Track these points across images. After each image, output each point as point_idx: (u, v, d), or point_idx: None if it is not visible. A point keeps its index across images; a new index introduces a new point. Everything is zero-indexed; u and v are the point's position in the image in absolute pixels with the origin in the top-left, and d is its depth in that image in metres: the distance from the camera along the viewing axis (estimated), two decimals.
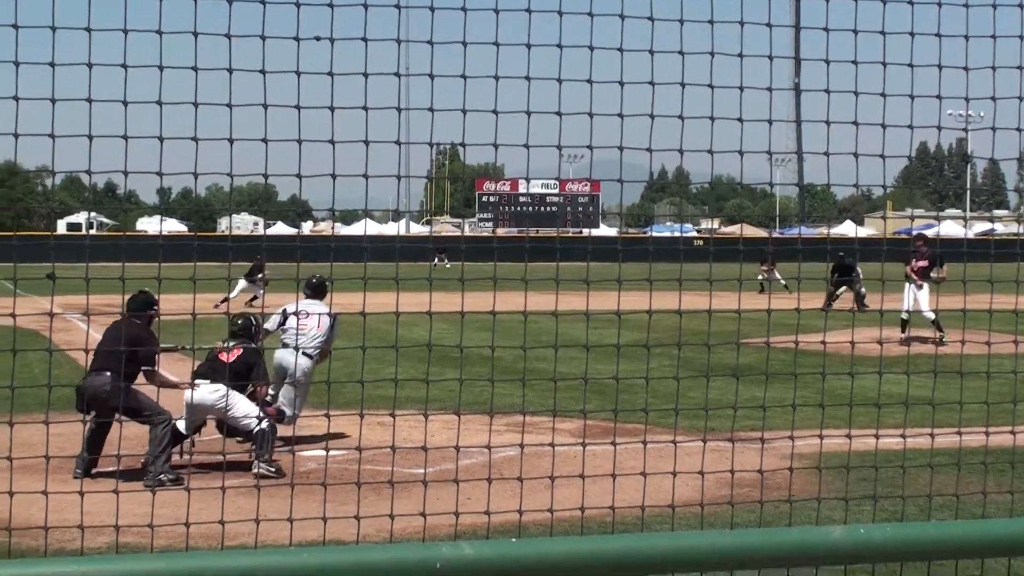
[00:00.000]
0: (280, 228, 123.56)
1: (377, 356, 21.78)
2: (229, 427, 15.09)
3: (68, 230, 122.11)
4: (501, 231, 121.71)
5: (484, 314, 6.86)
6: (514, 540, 4.47)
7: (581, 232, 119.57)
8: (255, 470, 14.86)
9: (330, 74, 5.74)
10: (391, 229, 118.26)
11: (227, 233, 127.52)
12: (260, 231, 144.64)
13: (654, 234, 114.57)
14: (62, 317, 35.56)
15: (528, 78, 6.05)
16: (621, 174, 6.85)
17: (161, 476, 14.48)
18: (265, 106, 5.61)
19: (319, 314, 16.42)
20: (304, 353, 16.06)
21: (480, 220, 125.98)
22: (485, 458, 13.13)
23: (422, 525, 7.50)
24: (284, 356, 16.66)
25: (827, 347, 7.70)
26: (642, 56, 6.47)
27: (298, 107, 5.66)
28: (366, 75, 5.72)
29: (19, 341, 6.30)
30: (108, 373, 14.58)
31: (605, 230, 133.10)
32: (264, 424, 15.21)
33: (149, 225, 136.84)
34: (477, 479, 7.54)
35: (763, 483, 8.68)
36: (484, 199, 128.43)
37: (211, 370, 15.45)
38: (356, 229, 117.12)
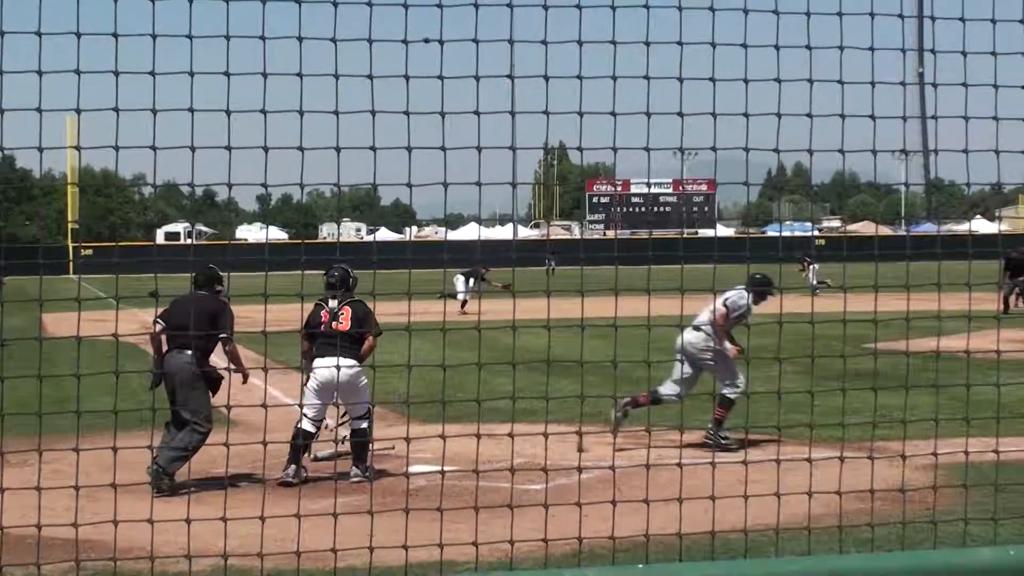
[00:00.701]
0: (384, 234, 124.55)
1: (485, 366, 21.78)
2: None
3: (167, 239, 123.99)
4: (612, 233, 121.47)
5: (603, 326, 6.78)
6: (640, 566, 4.40)
7: (696, 233, 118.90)
8: (355, 476, 14.83)
9: (440, 77, 5.70)
10: (498, 233, 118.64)
11: (334, 240, 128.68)
12: (364, 236, 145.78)
13: (774, 233, 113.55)
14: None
15: (647, 77, 5.98)
16: (748, 175, 6.75)
17: (164, 479, 14.33)
18: (373, 112, 5.60)
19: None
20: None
21: (590, 222, 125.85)
22: (604, 473, 13.05)
23: (540, 545, 7.45)
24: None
25: (966, 353, 7.52)
26: (767, 52, 6.38)
27: (407, 112, 5.64)
28: (477, 78, 5.68)
29: (121, 358, 6.35)
30: (189, 352, 14.74)
31: (722, 230, 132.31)
32: (368, 419, 15.24)
33: (249, 233, 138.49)
34: (600, 501, 7.46)
35: (905, 500, 8.51)
36: (594, 200, 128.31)
37: (329, 346, 15.06)
38: (463, 233, 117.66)
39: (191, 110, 5.67)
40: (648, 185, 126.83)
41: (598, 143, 6.38)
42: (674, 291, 7.48)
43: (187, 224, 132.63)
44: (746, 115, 6.41)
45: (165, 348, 15.01)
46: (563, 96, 6.35)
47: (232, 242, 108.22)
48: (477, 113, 5.80)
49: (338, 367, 14.41)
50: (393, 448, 16.07)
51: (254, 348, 25.15)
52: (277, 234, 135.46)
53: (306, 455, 15.40)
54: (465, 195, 6.41)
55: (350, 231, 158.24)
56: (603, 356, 7.18)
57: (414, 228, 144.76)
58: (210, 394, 14.77)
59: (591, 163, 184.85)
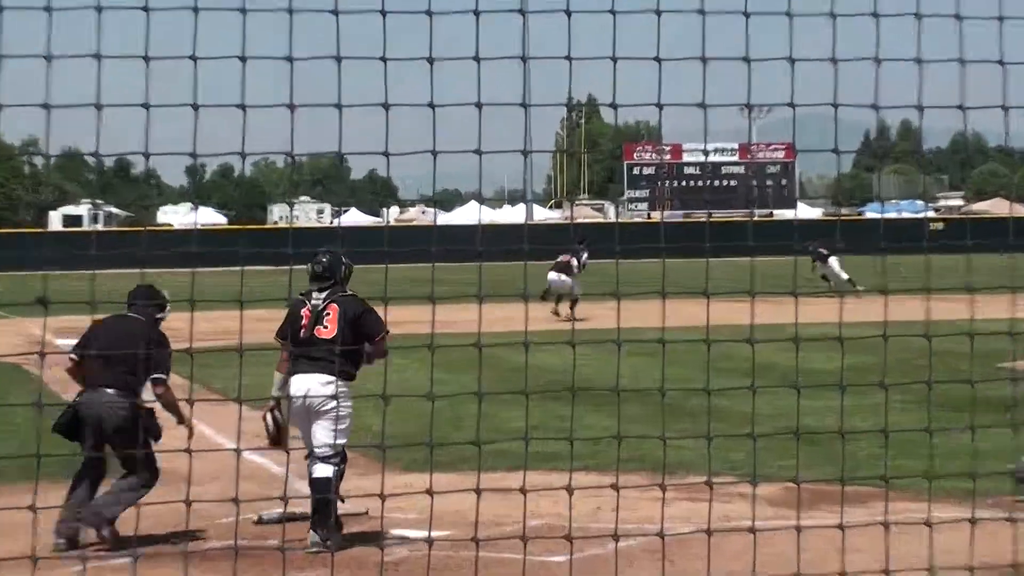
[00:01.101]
0: (355, 217, 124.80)
1: (488, 395, 21.78)
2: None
3: (65, 225, 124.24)
4: (658, 215, 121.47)
5: (647, 341, 6.77)
6: None
7: (771, 215, 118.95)
8: (313, 540, 14.79)
9: (428, 12, 5.64)
10: (506, 215, 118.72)
11: (283, 225, 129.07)
12: (326, 220, 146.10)
13: (874, 215, 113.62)
14: (57, 347, 36.00)
15: (702, 11, 5.95)
16: (837, 139, 6.73)
17: (103, 530, 14.57)
18: (339, 59, 5.55)
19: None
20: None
21: (630, 201, 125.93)
22: (651, 541, 13.02)
23: None
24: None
25: None
26: None
27: (384, 59, 5.60)
28: (477, 13, 5.63)
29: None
30: (111, 390, 14.89)
31: (805, 210, 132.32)
32: (338, 464, 15.18)
33: (175, 216, 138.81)
34: None
35: None
36: (635, 172, 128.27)
37: (307, 357, 15.06)
38: (460, 216, 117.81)
39: (97, 56, 5.63)
40: (705, 153, 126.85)
41: (639, 98, 6.37)
42: (741, 293, 7.45)
43: (92, 205, 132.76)
44: (834, 60, 6.38)
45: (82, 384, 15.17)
46: (591, 36, 6.30)
47: (152, 228, 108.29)
48: (477, 59, 5.77)
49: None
50: (367, 512, 16.03)
51: (177, 371, 25.22)
52: (213, 217, 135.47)
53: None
54: (462, 166, 6.39)
55: (310, 213, 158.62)
56: (647, 380, 7.15)
57: (394, 209, 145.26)
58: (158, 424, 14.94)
59: (629, 123, 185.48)
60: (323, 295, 15.27)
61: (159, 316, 15.59)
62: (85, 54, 5.58)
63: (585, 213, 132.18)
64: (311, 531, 15.02)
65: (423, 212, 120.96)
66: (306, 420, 15.15)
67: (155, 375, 14.93)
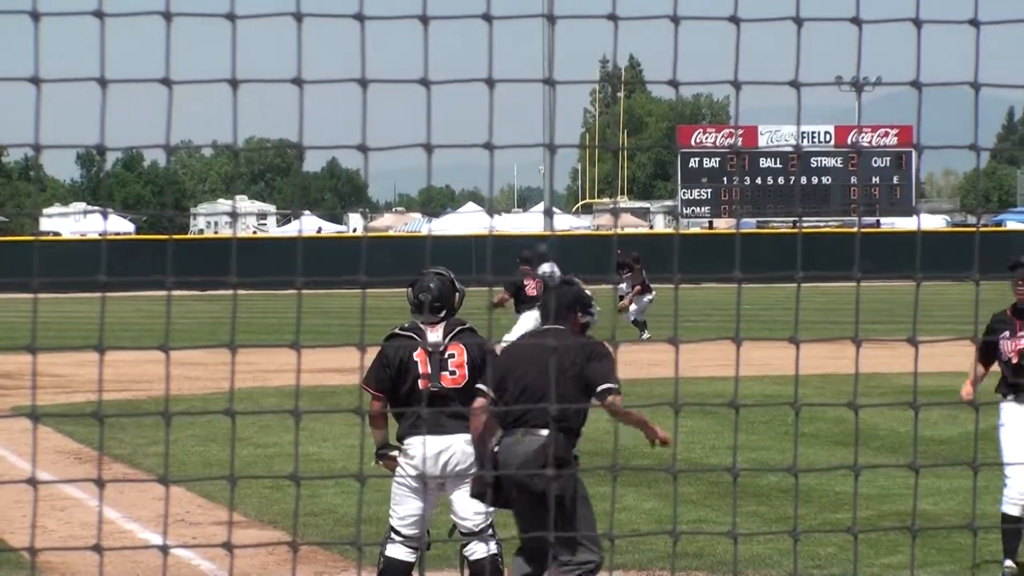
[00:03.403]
0: (311, 223, 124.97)
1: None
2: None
3: None
4: (723, 224, 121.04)
5: (715, 404, 6.90)
6: None
7: (878, 224, 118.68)
8: None
9: None
10: (514, 222, 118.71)
11: (224, 235, 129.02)
12: (271, 229, 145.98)
13: (1017, 225, 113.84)
14: None
15: None
16: (977, 122, 6.83)
17: None
18: (298, 16, 5.66)
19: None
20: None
21: (687, 204, 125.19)
22: None
23: None
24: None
25: None
26: None
27: (360, 17, 5.70)
28: None
29: None
30: (544, 431, 14.44)
31: (928, 219, 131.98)
32: (495, 538, 15.30)
33: (62, 223, 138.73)
34: None
35: None
36: (691, 164, 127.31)
37: (435, 415, 15.22)
38: (454, 223, 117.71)
39: None
40: (796, 138, 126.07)
41: (696, 68, 6.48)
42: (840, 331, 7.54)
43: None
44: (975, 23, 6.48)
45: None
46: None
47: (35, 238, 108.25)
48: (488, 18, 5.87)
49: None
50: None
51: (67, 430, 25.37)
52: (119, 225, 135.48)
53: None
54: (452, 157, 6.51)
55: (248, 220, 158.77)
56: (701, 451, 7.31)
57: (355, 217, 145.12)
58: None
59: (686, 98, 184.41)
60: (439, 331, 15.50)
61: (585, 320, 15.65)
62: None
63: (625, 221, 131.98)
64: None
65: (403, 220, 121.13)
66: (435, 491, 15.40)
67: (610, 397, 14.79)
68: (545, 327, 15.00)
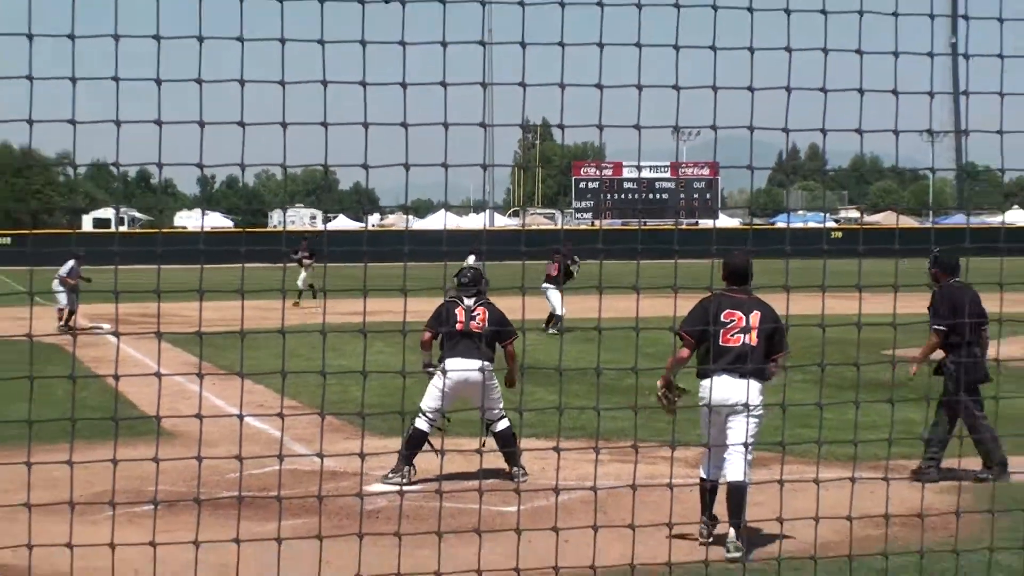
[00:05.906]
0: (342, 222, 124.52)
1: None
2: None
3: (95, 227, 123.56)
4: (600, 223, 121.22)
5: (587, 329, 6.80)
6: None
7: (697, 224, 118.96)
8: (519, 475, 15.34)
9: (402, 43, 5.68)
10: (473, 222, 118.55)
11: (279, 229, 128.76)
12: (319, 225, 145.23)
13: (784, 224, 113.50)
14: (88, 330, 35.97)
15: (639, 44, 5.98)
16: (752, 157, 6.75)
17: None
18: (324, 83, 5.58)
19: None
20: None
21: (576, 210, 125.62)
22: (586, 494, 13.07)
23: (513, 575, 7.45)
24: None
25: (996, 361, 7.54)
26: (775, 17, 6.37)
27: (363, 83, 5.62)
28: (444, 44, 5.67)
29: (38, 359, 6.34)
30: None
31: (726, 220, 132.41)
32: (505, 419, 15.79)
33: (189, 220, 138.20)
34: (581, 526, 7.49)
35: (924, 525, 8.53)
36: (581, 186, 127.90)
37: (466, 346, 15.82)
38: (431, 222, 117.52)
39: (115, 79, 5.64)
40: (638, 169, 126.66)
41: (584, 120, 6.38)
42: (666, 288, 7.48)
43: (116, 210, 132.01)
44: (751, 88, 6.40)
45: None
46: (544, 66, 6.34)
47: (167, 230, 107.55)
48: (444, 84, 5.79)
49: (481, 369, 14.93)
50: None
51: (191, 351, 25.24)
52: (221, 222, 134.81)
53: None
54: (434, 178, 6.40)
55: (304, 218, 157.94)
56: (586, 362, 7.19)
57: (375, 216, 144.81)
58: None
59: (577, 143, 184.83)
60: (472, 300, 16.25)
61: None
62: (105, 76, 5.59)
63: (538, 221, 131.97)
64: (514, 467, 15.48)
65: (407, 219, 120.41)
66: (456, 395, 15.89)
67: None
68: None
